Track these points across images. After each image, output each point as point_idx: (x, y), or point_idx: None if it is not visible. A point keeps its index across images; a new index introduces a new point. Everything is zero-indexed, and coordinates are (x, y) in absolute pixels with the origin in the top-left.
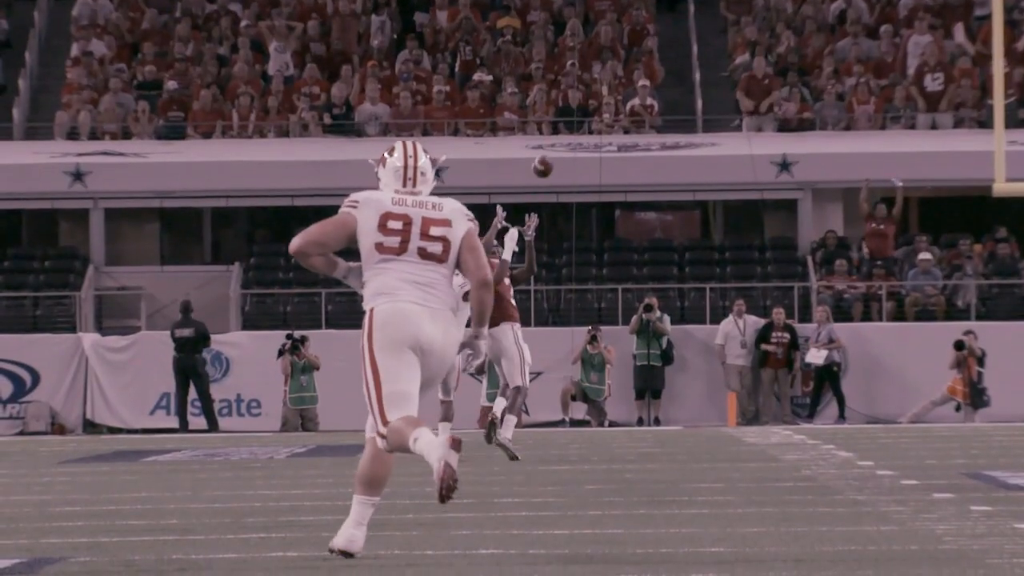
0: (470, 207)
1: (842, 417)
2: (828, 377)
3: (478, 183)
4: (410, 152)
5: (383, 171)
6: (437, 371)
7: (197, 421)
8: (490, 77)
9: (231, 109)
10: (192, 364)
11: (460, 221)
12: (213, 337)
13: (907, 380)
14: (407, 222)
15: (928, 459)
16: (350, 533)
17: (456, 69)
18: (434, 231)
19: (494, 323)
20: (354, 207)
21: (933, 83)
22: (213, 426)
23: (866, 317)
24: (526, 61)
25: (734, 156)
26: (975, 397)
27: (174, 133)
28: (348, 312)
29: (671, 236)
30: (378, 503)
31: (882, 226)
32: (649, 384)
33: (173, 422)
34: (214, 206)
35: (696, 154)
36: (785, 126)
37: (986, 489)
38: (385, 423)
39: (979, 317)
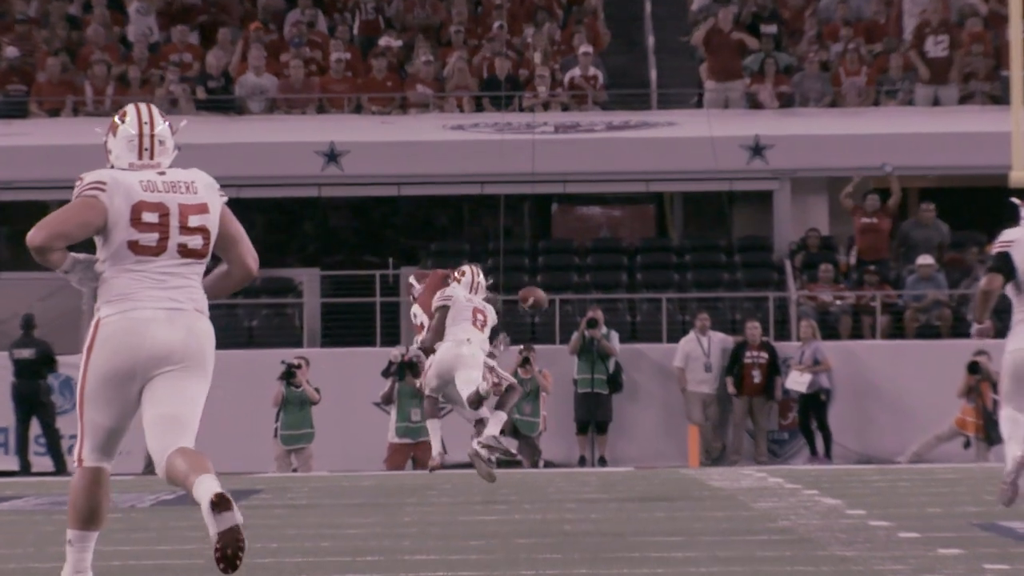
0: (376, 200)
1: (827, 456)
2: (813, 407)
3: (384, 170)
4: (145, 118)
5: (114, 140)
6: (189, 368)
7: (42, 461)
8: (399, 42)
9: (84, 81)
10: (35, 392)
11: (215, 200)
12: (61, 359)
13: (906, 410)
14: (164, 213)
15: (931, 507)
16: None
17: (357, 32)
18: (193, 221)
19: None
20: (101, 190)
21: (936, 49)
22: (61, 467)
23: (856, 334)
24: (443, 22)
25: (695, 138)
26: (989, 431)
27: (14, 110)
28: (228, 329)
29: (619, 235)
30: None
31: (875, 220)
32: (593, 415)
33: (13, 463)
34: (63, 199)
35: (649, 135)
36: (757, 101)
37: (1001, 543)
38: (80, 459)
39: (994, 334)
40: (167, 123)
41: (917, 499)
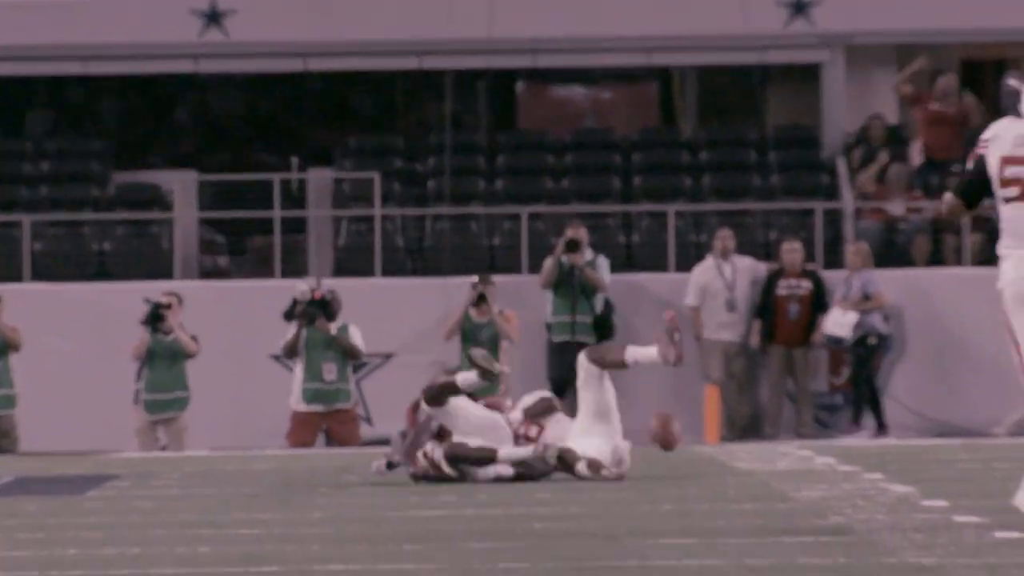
0: (274, 78)
1: (880, 428)
2: (858, 360)
3: (285, 36)
4: None
5: None
6: None
7: None
8: None
9: None
10: None
11: None
12: None
13: (1004, 365)
14: None
15: None
16: None
17: None
18: None
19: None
20: None
21: None
22: None
23: (936, 259)
24: None
25: None
26: None
27: None
28: (71, 254)
29: (610, 126)
30: None
31: (949, 109)
32: (575, 373)
33: None
34: None
35: None
36: None
37: None
38: None
39: None
40: None
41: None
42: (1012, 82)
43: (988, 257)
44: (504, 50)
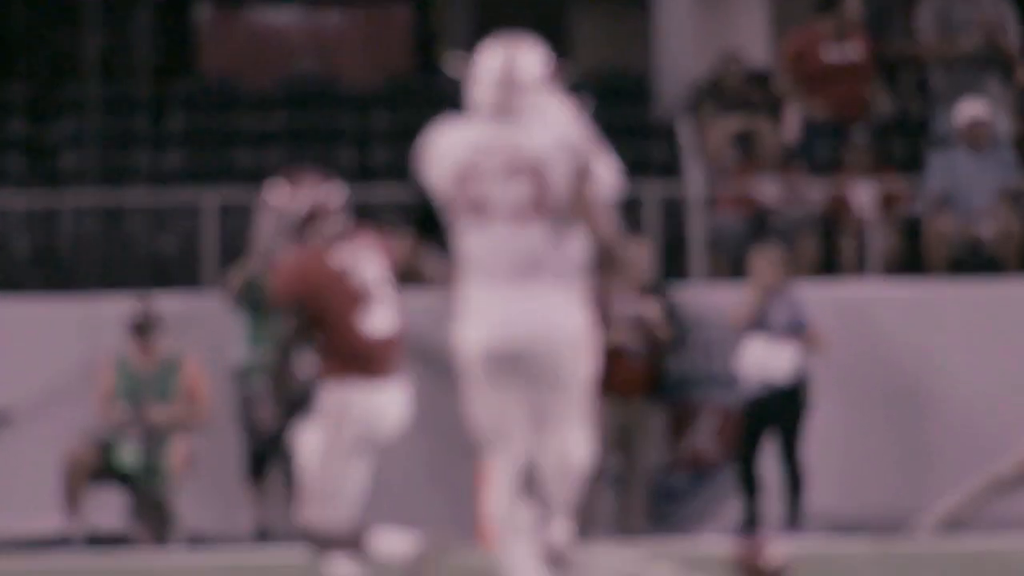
0: None
1: (794, 516)
2: (775, 418)
3: None
4: None
5: None
6: None
7: None
8: None
9: None
10: None
11: None
12: None
13: (933, 423)
14: None
15: None
16: None
17: None
18: None
19: None
20: None
21: None
22: None
23: (827, 265)
24: None
25: None
26: None
27: None
28: None
29: (338, 69)
30: None
31: (848, 53)
32: (280, 441)
33: None
34: None
35: None
36: None
37: None
38: None
39: None
40: None
41: None
42: (454, 65)
43: (906, 263)
44: None
